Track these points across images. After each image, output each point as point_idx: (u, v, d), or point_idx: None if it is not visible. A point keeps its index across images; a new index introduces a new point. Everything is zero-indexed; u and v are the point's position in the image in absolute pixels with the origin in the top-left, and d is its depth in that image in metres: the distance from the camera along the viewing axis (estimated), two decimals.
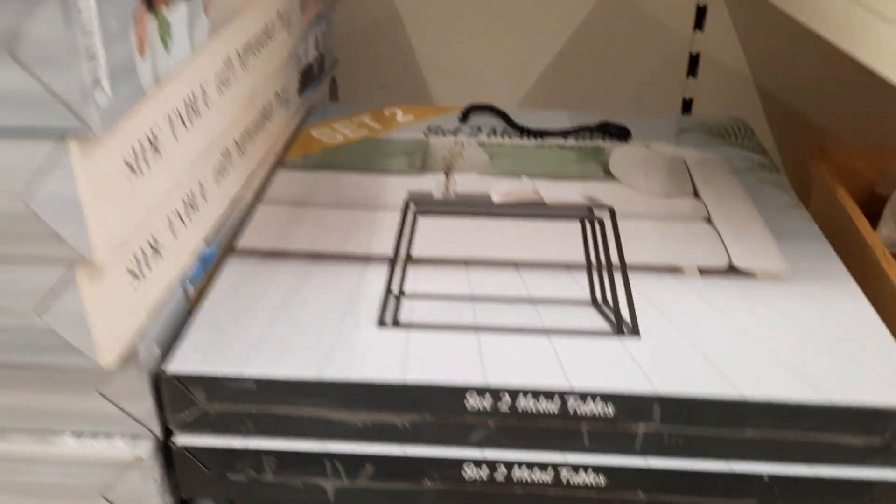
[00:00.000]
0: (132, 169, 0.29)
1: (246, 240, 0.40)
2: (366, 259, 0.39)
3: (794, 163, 0.67)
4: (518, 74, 0.68)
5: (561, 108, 0.68)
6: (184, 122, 0.33)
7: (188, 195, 0.35)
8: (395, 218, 0.43)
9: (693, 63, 0.67)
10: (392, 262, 0.39)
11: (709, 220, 0.43)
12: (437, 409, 0.31)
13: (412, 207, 0.43)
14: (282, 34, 0.47)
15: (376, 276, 0.38)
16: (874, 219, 0.52)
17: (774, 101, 0.68)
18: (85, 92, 0.24)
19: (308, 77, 0.54)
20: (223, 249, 0.40)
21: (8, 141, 0.25)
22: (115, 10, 0.26)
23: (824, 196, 0.53)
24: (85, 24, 0.24)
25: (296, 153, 0.49)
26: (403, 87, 0.68)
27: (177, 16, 0.31)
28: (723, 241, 0.41)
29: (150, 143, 0.30)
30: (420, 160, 0.49)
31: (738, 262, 0.39)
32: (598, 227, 0.42)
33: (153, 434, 0.32)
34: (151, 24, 0.28)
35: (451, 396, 0.31)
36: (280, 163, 0.48)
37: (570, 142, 0.52)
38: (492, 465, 0.32)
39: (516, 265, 0.39)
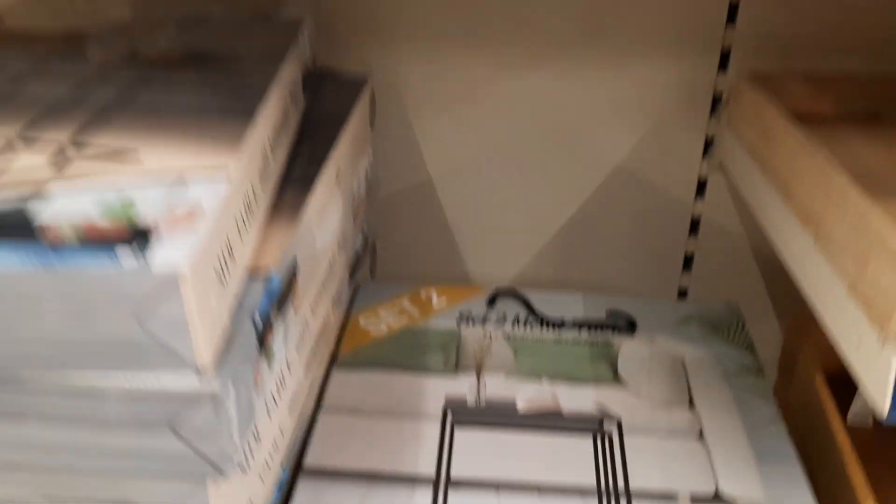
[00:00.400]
0: (243, 468, 0.37)
1: (312, 457, 0.48)
2: (412, 480, 0.47)
3: (787, 322, 0.75)
4: (537, 235, 0.76)
5: (576, 266, 0.76)
6: (275, 401, 0.41)
7: (273, 442, 0.43)
8: (436, 427, 0.50)
9: (694, 225, 0.75)
10: (435, 487, 0.47)
11: (701, 436, 0.51)
12: None
13: (450, 417, 0.51)
14: (340, 257, 0.54)
15: (423, 502, 0.46)
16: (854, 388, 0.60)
17: (769, 263, 0.76)
18: (224, 453, 0.32)
19: (355, 265, 0.62)
20: (293, 467, 0.48)
21: (159, 479, 0.33)
22: (243, 377, 0.33)
23: (805, 378, 0.61)
24: (228, 411, 0.32)
25: (348, 348, 0.57)
26: (433, 248, 0.76)
27: (278, 337, 0.38)
28: (712, 465, 0.49)
29: (254, 437, 0.38)
30: (454, 356, 0.57)
31: (724, 489, 0.47)
32: (607, 444, 0.50)
33: None
34: (263, 362, 0.36)
35: None
36: (335, 359, 0.56)
37: (584, 334, 0.59)
38: None
39: (539, 489, 0.47)
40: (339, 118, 0.53)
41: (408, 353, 0.57)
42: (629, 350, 0.58)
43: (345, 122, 0.53)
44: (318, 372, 0.53)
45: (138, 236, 0.30)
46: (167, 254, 0.29)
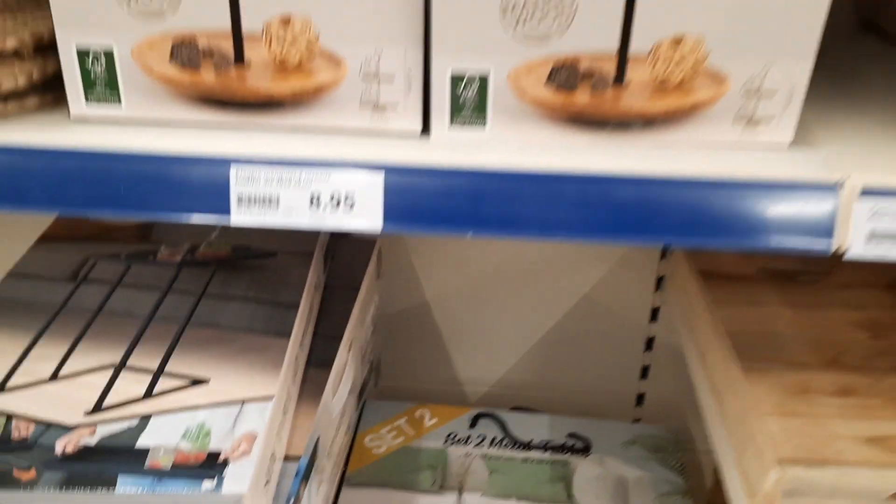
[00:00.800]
0: None
1: None
2: None
3: None
4: (518, 347, 0.90)
5: (550, 374, 0.90)
6: None
7: None
8: None
9: (649, 342, 0.89)
10: None
11: None
12: None
13: None
14: (351, 399, 0.68)
15: None
16: None
17: None
18: None
19: (363, 389, 0.75)
20: None
21: None
22: None
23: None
24: None
25: (354, 467, 0.71)
26: (429, 357, 0.90)
27: (305, 502, 0.52)
28: None
29: None
30: (441, 475, 0.70)
31: None
32: None
33: None
34: None
35: None
36: (343, 477, 0.70)
37: (547, 455, 0.73)
38: None
39: None
40: (352, 290, 0.67)
41: (403, 473, 0.70)
42: (582, 471, 0.72)
43: (357, 295, 0.66)
44: (331, 490, 0.67)
45: (213, 461, 0.44)
46: (233, 479, 0.43)
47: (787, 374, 0.60)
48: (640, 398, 0.92)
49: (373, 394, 0.82)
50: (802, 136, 0.44)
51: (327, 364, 0.58)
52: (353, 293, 0.67)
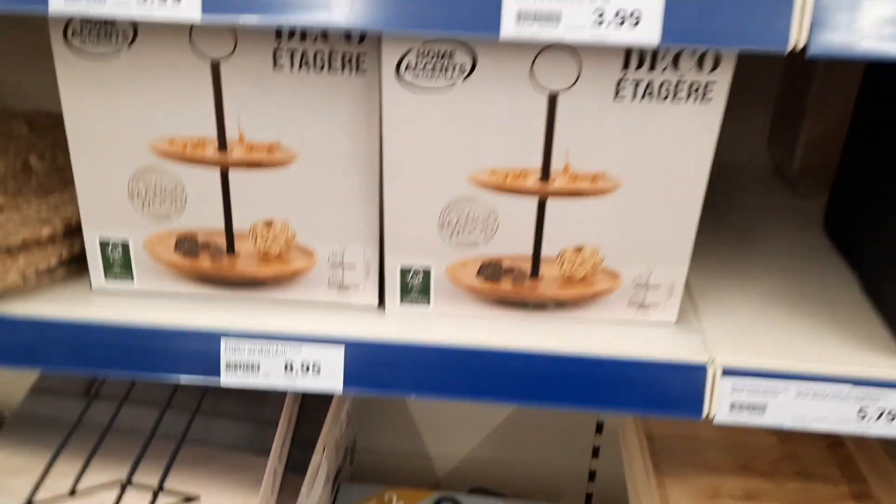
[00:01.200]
0: None
1: None
2: None
3: None
4: (482, 425, 0.99)
5: (515, 447, 0.99)
6: None
7: None
8: None
9: (599, 427, 0.98)
10: None
11: None
12: None
13: None
14: (326, 489, 0.78)
15: None
16: None
17: None
18: None
19: (339, 472, 0.85)
20: None
21: None
22: None
23: None
24: None
25: None
26: (401, 433, 0.99)
27: None
28: None
29: None
30: None
31: None
32: None
33: None
34: None
35: None
36: None
37: None
38: None
39: None
40: (327, 396, 0.76)
41: None
42: None
43: (332, 399, 0.76)
44: None
45: None
46: None
47: (702, 477, 0.70)
48: (592, 475, 1.01)
49: (347, 473, 0.91)
50: (692, 307, 0.54)
51: (303, 469, 0.68)
52: (329, 397, 0.76)
